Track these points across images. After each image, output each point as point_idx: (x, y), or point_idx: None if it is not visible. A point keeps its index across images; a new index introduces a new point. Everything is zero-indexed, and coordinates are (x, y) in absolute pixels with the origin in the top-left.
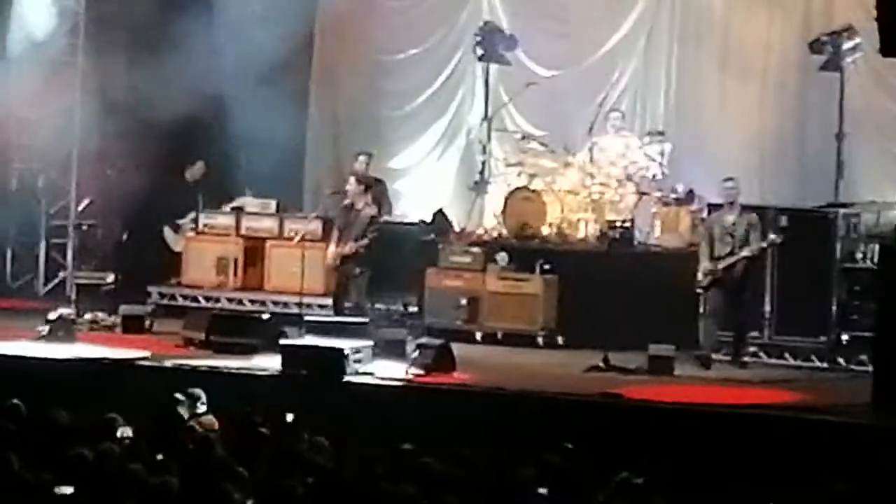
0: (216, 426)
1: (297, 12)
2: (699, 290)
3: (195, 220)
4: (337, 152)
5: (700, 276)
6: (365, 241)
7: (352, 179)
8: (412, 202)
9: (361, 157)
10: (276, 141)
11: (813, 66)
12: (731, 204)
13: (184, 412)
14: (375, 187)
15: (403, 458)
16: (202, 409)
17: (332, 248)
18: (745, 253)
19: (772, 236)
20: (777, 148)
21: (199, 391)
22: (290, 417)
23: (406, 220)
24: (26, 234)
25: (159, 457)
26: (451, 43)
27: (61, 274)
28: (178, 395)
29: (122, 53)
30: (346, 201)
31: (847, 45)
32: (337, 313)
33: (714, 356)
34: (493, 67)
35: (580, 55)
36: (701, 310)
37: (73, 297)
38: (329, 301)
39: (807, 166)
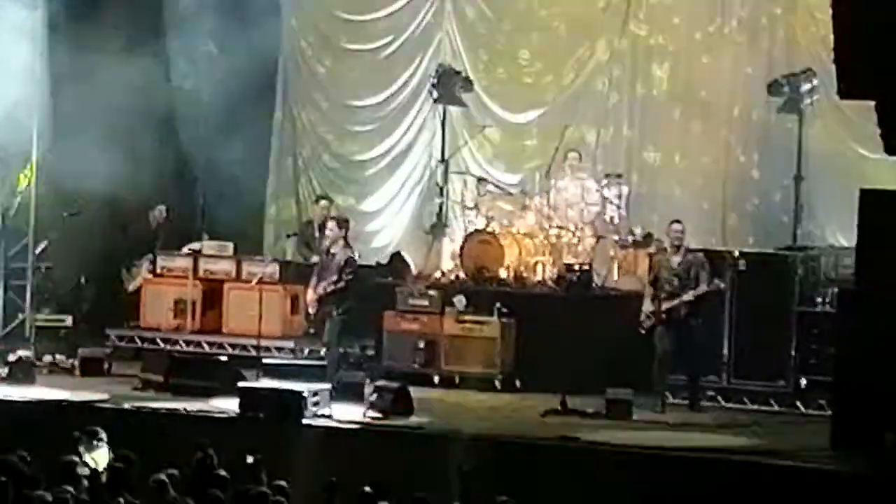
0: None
1: (258, 55)
2: (641, 331)
3: (152, 262)
4: (299, 195)
5: (642, 317)
6: (342, 284)
7: (332, 223)
8: (373, 245)
9: (323, 202)
10: (237, 183)
11: (774, 107)
12: (676, 247)
13: (82, 450)
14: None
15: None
16: (101, 445)
17: (309, 292)
18: (685, 297)
19: (716, 281)
20: (739, 190)
21: (97, 428)
22: (250, 459)
23: (363, 263)
24: None
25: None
26: (414, 86)
27: (20, 316)
28: (77, 434)
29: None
30: (326, 244)
31: (805, 86)
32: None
33: (672, 400)
34: (456, 110)
35: (542, 98)
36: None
37: (32, 339)
38: (287, 343)
39: (768, 209)
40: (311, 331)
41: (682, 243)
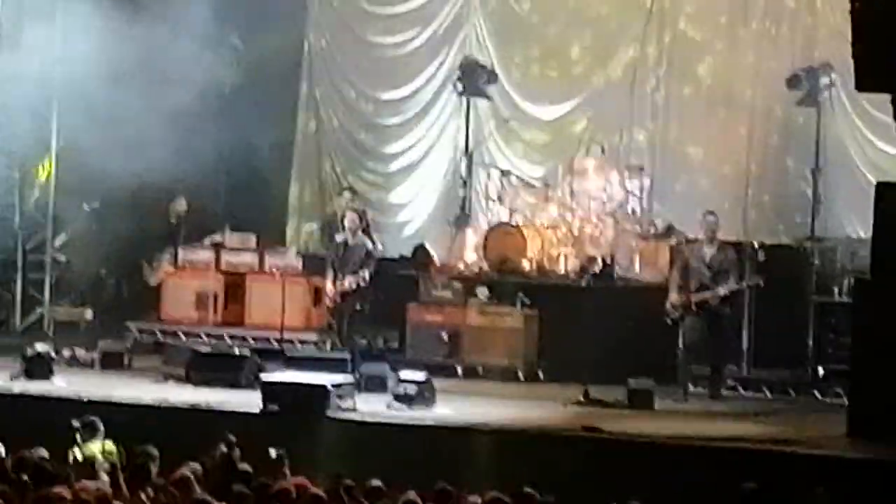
0: (108, 455)
1: (282, 45)
2: (669, 321)
3: (173, 255)
4: (323, 187)
5: (668, 306)
6: (363, 275)
7: (352, 215)
8: (402, 235)
9: (346, 193)
10: (260, 174)
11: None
12: (710, 239)
13: (80, 440)
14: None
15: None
16: (98, 437)
17: (328, 286)
18: (721, 291)
19: (754, 277)
20: (760, 182)
21: (94, 419)
22: (273, 453)
23: (386, 255)
24: (3, 269)
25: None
26: (441, 79)
27: (39, 310)
28: (75, 423)
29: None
30: (340, 238)
31: (823, 80)
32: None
33: (693, 389)
34: (483, 103)
35: (567, 91)
36: (679, 343)
37: (52, 332)
38: (310, 336)
39: (788, 200)
40: (331, 324)
41: (715, 235)
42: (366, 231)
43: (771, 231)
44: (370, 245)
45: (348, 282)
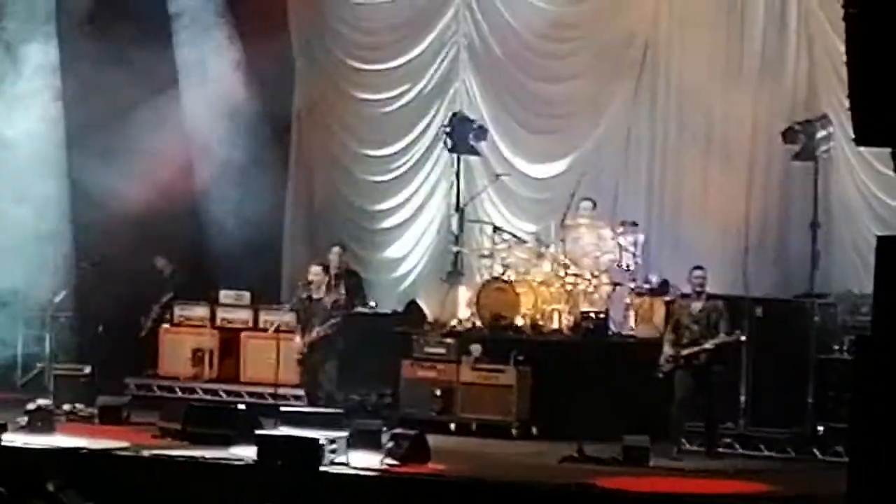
0: None
1: (272, 103)
2: (660, 375)
3: (161, 307)
4: (315, 244)
5: (661, 361)
6: (327, 327)
7: (315, 268)
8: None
9: (335, 248)
10: (253, 234)
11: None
12: (698, 293)
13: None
14: (348, 280)
15: None
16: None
17: (297, 339)
18: (707, 345)
19: (737, 332)
20: (759, 236)
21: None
22: None
23: (379, 311)
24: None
25: None
26: (431, 135)
27: (39, 365)
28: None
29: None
30: (305, 293)
31: (821, 133)
32: (310, 404)
33: (688, 447)
34: (474, 159)
35: (559, 148)
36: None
37: (52, 388)
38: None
39: (788, 256)
40: (304, 380)
41: (703, 289)
42: (355, 287)
43: (772, 286)
44: (336, 296)
45: (315, 332)
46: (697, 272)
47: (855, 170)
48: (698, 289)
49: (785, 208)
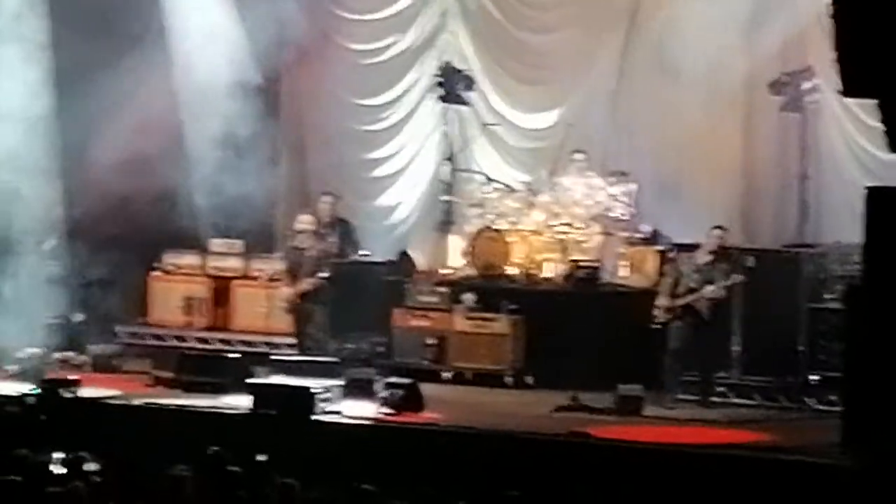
0: None
1: (261, 55)
2: (655, 326)
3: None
4: (307, 193)
5: (656, 311)
6: (318, 278)
7: (304, 217)
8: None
9: (325, 198)
10: (246, 185)
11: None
12: (713, 252)
13: None
14: (340, 228)
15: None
16: None
17: (284, 289)
18: (706, 293)
19: (734, 276)
20: (750, 186)
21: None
22: (260, 458)
23: (371, 260)
24: None
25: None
26: (423, 85)
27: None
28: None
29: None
30: (294, 242)
31: (806, 85)
32: (302, 353)
33: (683, 396)
34: (467, 109)
35: (549, 98)
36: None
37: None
38: (296, 340)
39: (780, 206)
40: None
41: (716, 248)
42: (347, 235)
43: (766, 237)
44: (323, 245)
45: (305, 283)
46: (716, 231)
47: (842, 121)
48: (712, 248)
49: (775, 160)
